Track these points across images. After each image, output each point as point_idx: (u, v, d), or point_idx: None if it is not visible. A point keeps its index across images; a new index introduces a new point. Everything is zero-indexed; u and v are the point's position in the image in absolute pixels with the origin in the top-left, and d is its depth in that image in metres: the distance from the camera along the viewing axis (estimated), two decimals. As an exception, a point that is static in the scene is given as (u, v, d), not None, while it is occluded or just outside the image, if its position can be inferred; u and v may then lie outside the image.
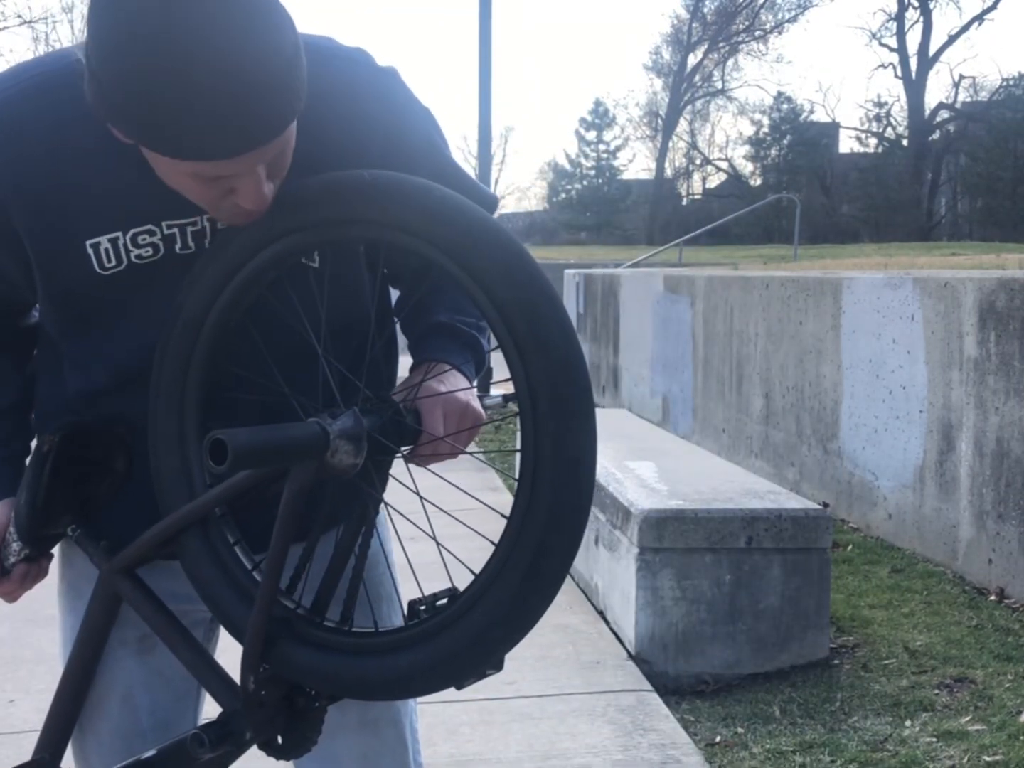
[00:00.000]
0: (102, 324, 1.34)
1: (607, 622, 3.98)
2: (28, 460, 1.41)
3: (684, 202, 47.92)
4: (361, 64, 1.36)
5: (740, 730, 3.17)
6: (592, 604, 4.18)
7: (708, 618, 3.55)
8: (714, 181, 48.34)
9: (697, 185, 49.36)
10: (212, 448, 1.09)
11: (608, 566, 3.95)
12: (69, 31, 39.60)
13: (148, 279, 1.31)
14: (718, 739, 3.12)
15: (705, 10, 44.31)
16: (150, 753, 1.33)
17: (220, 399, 1.34)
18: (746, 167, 45.75)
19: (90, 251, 1.28)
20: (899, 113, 42.95)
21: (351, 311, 1.39)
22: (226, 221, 1.26)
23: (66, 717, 1.47)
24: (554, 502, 1.14)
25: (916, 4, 40.46)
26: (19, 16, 31.02)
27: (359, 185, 1.23)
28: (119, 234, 1.28)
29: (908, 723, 3.18)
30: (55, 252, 1.29)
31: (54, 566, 1.52)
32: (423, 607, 1.23)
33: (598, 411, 1.33)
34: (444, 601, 1.22)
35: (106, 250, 1.28)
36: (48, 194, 1.27)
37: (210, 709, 1.47)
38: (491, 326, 1.17)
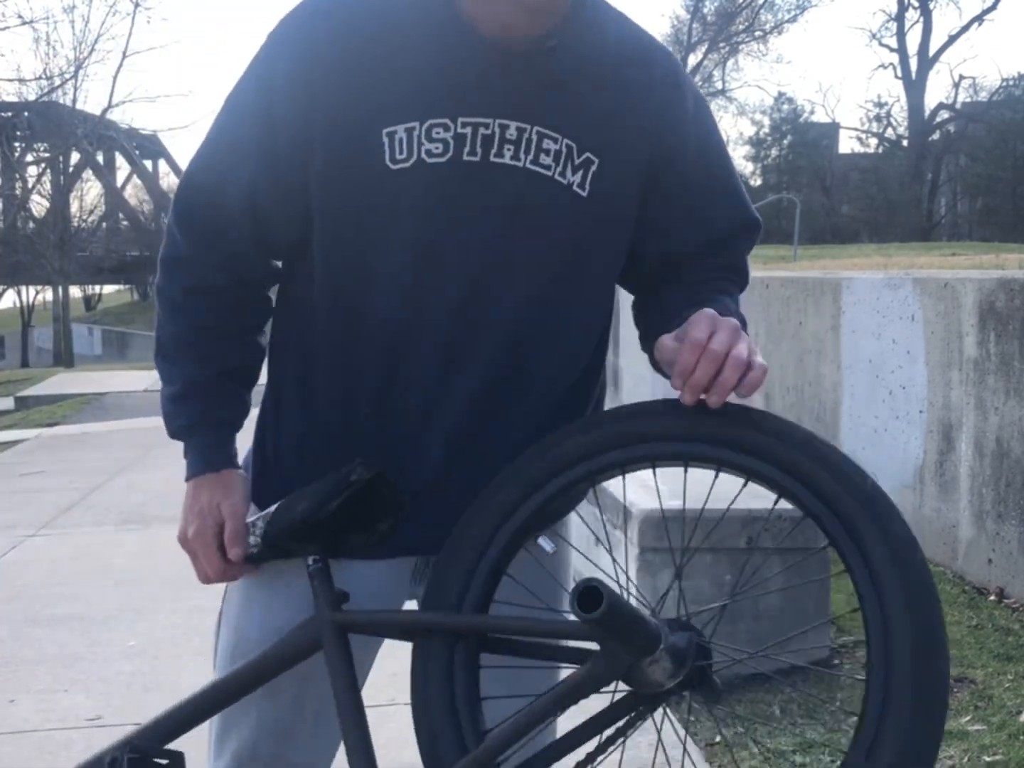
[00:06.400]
0: (372, 252, 1.32)
1: (607, 622, 3.98)
2: (329, 477, 1.34)
3: (684, 202, 47.84)
4: (678, 64, 1.42)
5: (740, 730, 3.17)
6: (592, 604, 4.17)
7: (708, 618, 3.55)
8: (714, 181, 48.27)
9: (697, 185, 49.28)
10: (583, 594, 1.12)
11: (608, 567, 3.94)
12: (70, 31, 39.63)
13: (430, 188, 1.30)
14: (718, 739, 3.12)
15: (705, 11, 44.32)
16: None
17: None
18: (746, 167, 45.74)
19: (385, 140, 1.28)
20: (899, 113, 42.99)
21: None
22: (504, 16, 1.26)
23: (200, 714, 1.40)
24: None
25: (916, 4, 40.47)
26: (19, 16, 30.99)
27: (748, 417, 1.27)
28: (416, 124, 1.28)
29: (908, 723, 3.18)
30: (350, 143, 1.29)
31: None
32: None
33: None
34: None
35: (400, 140, 1.28)
36: (356, 78, 1.28)
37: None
38: (839, 548, 1.21)
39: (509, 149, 1.29)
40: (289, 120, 1.30)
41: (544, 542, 1.32)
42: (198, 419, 1.43)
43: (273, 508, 1.36)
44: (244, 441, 1.48)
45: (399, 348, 1.34)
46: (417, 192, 1.29)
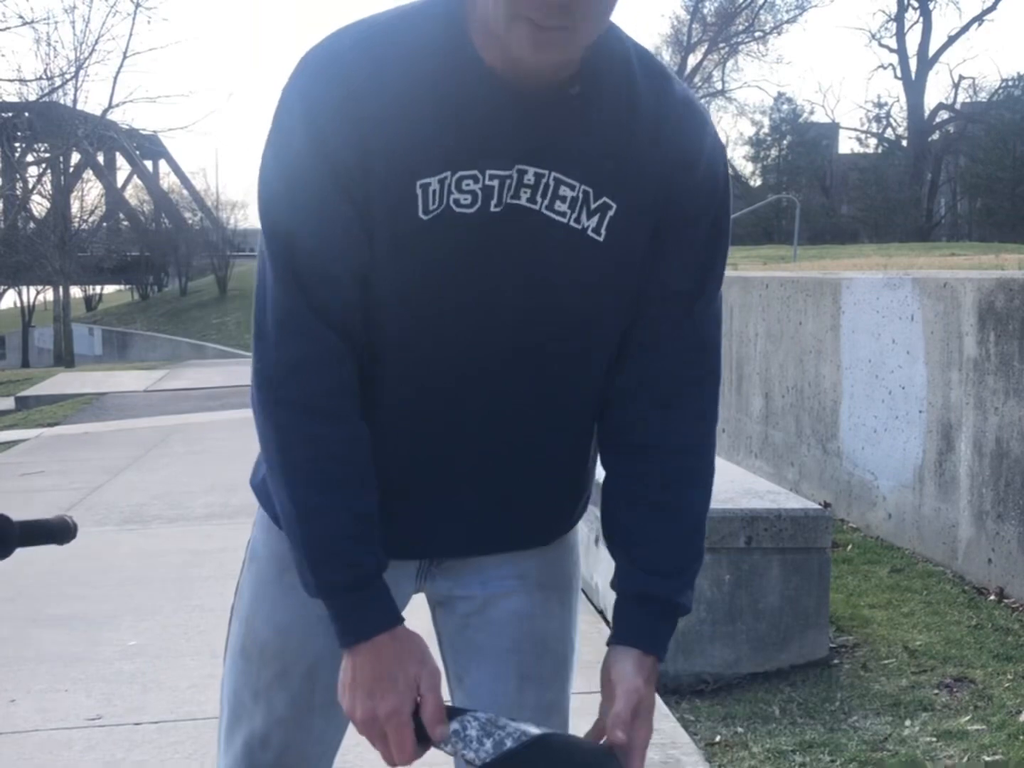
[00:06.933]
0: (407, 303, 1.31)
1: (607, 622, 3.98)
2: None
3: (684, 202, 47.84)
4: (716, 135, 1.39)
5: (740, 730, 3.17)
6: (592, 604, 4.18)
7: (708, 618, 3.55)
8: (714, 181, 48.28)
9: (697, 185, 49.29)
10: None
11: (608, 566, 3.94)
12: (71, 32, 39.61)
13: (454, 238, 1.29)
14: (718, 739, 3.12)
15: (705, 11, 44.36)
16: None
17: None
18: (746, 167, 45.78)
19: (419, 191, 1.28)
20: (899, 114, 43.04)
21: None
22: (523, 48, 1.21)
23: None
24: None
25: (916, 5, 40.50)
26: (20, 16, 30.94)
27: None
28: (447, 174, 1.28)
29: (908, 723, 3.18)
30: (387, 197, 1.28)
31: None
32: None
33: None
34: None
35: (434, 191, 1.28)
36: (385, 138, 1.27)
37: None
38: None
39: (526, 192, 1.30)
40: (346, 155, 1.27)
41: None
42: (376, 564, 1.27)
43: (511, 744, 1.21)
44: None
45: (426, 385, 1.35)
46: (439, 243, 1.30)
